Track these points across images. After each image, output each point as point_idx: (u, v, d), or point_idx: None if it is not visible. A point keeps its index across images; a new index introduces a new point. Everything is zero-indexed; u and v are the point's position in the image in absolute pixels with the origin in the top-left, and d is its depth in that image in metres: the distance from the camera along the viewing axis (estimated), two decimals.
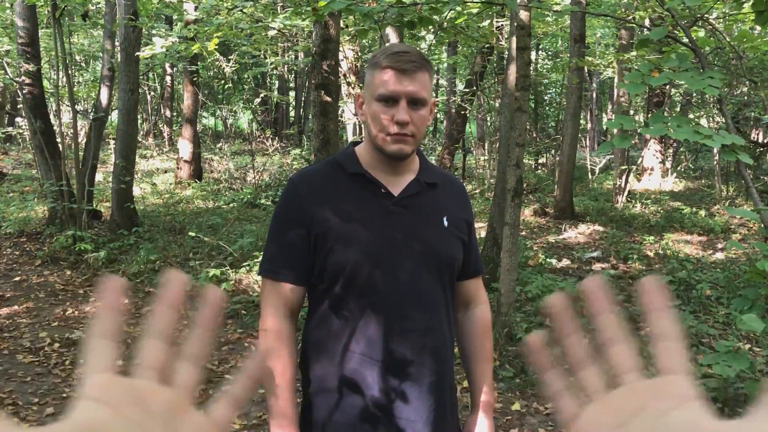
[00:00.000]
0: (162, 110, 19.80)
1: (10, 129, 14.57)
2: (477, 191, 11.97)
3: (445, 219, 1.47)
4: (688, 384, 0.36)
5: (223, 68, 11.97)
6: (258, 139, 13.96)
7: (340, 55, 7.35)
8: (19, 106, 15.63)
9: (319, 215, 1.39)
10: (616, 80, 13.01)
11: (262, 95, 14.53)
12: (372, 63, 1.40)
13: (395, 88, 1.34)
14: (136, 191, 9.53)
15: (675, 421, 0.33)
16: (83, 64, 17.36)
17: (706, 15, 4.18)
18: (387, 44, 6.56)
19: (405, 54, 1.35)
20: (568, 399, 0.38)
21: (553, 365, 0.38)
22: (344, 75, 8.12)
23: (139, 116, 13.27)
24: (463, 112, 12.57)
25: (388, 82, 1.35)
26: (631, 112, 13.67)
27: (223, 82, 16.27)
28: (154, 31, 9.22)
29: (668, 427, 0.33)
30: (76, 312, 5.29)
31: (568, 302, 0.39)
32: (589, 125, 19.87)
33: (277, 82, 20.91)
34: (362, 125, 1.50)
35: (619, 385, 0.37)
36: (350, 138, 8.73)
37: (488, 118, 15.02)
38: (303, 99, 20.45)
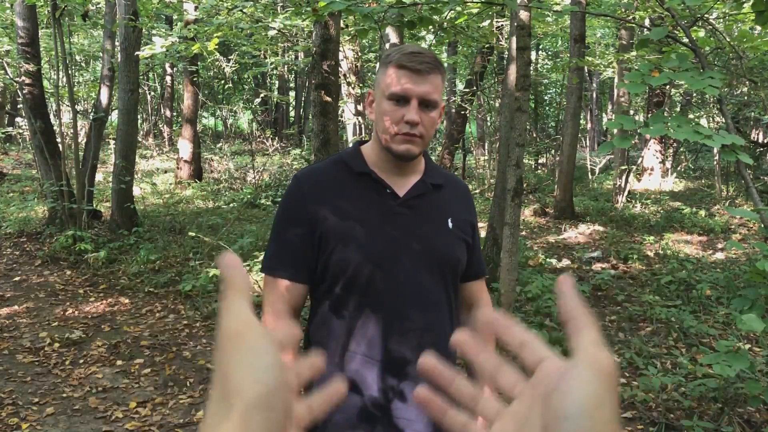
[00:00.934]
0: (162, 110, 19.80)
1: (10, 129, 14.57)
2: (477, 191, 11.97)
3: (449, 220, 1.47)
4: (555, 361, 0.39)
5: (223, 68, 11.97)
6: (258, 139, 13.97)
7: (340, 55, 7.35)
8: (19, 106, 15.63)
9: (322, 214, 1.39)
10: (616, 80, 13.01)
11: (262, 95, 14.52)
12: (385, 61, 1.40)
13: (408, 88, 1.34)
14: (136, 191, 9.54)
15: (556, 395, 0.35)
16: (83, 64, 17.36)
17: (706, 15, 4.18)
18: (391, 43, 6.56)
19: (419, 55, 1.35)
20: (470, 430, 0.41)
21: (446, 409, 0.42)
22: (344, 75, 8.12)
23: (139, 116, 13.27)
24: (463, 112, 12.57)
25: (400, 82, 1.34)
26: (631, 112, 13.68)
27: (223, 82, 16.28)
28: (154, 31, 9.22)
29: (551, 406, 0.35)
30: (76, 312, 5.28)
31: (437, 364, 0.43)
32: (589, 125, 19.87)
33: (277, 82, 20.91)
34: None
35: (511, 400, 0.41)
36: (350, 138, 8.72)
37: (488, 118, 15.02)
38: (303, 99, 20.46)
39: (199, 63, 12.68)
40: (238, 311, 0.39)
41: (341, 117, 8.46)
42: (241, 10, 6.79)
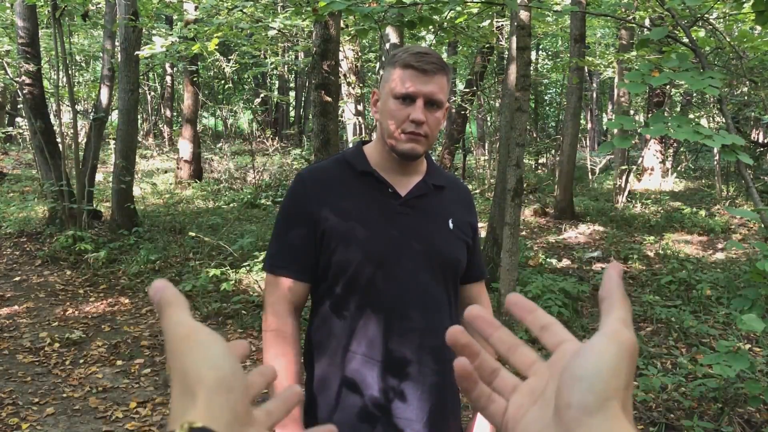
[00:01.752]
0: (162, 110, 19.80)
1: (10, 129, 14.55)
2: (477, 191, 11.97)
3: (450, 221, 1.47)
4: (575, 343, 0.41)
5: (223, 68, 11.97)
6: (258, 139, 13.97)
7: (340, 55, 7.34)
8: (19, 106, 15.62)
9: (325, 213, 1.39)
10: (616, 80, 13.01)
11: (262, 95, 14.52)
12: (391, 61, 1.41)
13: (414, 88, 1.35)
14: (136, 191, 9.54)
15: (574, 361, 0.37)
16: (83, 64, 17.35)
17: (706, 15, 4.18)
18: (391, 44, 6.55)
19: (426, 55, 1.36)
20: (495, 402, 0.44)
21: (476, 382, 0.44)
22: (344, 75, 8.12)
23: (139, 116, 13.25)
24: (463, 112, 12.56)
25: (407, 81, 1.35)
26: (631, 112, 13.68)
27: (223, 82, 16.28)
28: (154, 31, 9.22)
29: (568, 369, 0.37)
30: (76, 312, 5.28)
31: (464, 333, 0.45)
32: (589, 125, 19.87)
33: (277, 82, 20.90)
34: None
35: (528, 377, 0.43)
36: (350, 138, 8.72)
37: (488, 118, 15.02)
38: (303, 99, 20.45)
39: (199, 63, 12.68)
40: (181, 320, 0.41)
41: (341, 117, 8.45)
42: (241, 10, 6.78)
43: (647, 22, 6.93)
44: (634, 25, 9.02)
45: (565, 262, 7.13)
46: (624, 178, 10.97)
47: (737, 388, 3.62)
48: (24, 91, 7.50)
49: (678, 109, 14.09)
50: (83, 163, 7.86)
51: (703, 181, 14.33)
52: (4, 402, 3.65)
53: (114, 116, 11.90)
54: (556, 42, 19.82)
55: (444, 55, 13.36)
